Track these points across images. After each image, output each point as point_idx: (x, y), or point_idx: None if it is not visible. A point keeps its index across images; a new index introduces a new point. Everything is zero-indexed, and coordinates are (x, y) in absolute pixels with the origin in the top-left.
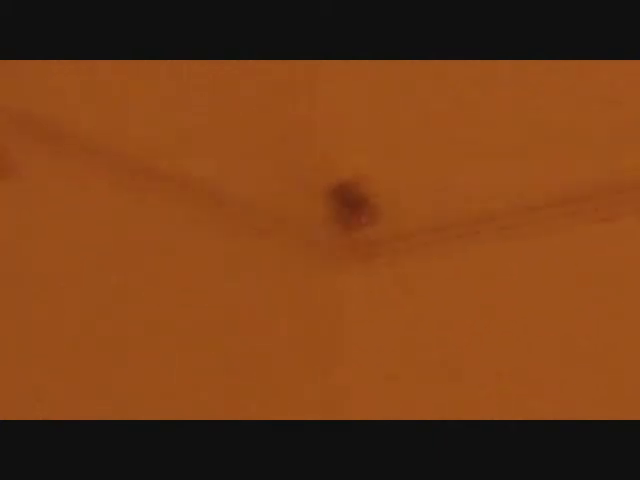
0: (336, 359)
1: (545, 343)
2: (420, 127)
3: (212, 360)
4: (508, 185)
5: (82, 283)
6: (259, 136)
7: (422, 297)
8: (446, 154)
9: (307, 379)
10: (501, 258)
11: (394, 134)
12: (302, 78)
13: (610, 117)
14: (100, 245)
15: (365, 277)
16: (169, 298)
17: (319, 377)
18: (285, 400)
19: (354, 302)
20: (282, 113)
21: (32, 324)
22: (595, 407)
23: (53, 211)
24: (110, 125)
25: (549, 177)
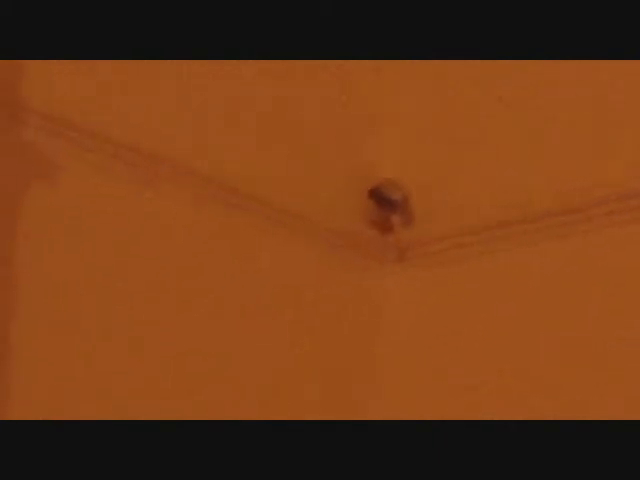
0: (372, 361)
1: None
2: (454, 130)
3: (243, 360)
4: (540, 188)
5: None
6: (295, 137)
7: (456, 300)
8: (480, 157)
9: (341, 380)
10: (533, 261)
11: (429, 136)
12: (336, 78)
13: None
14: (120, 242)
15: (400, 279)
16: (199, 297)
17: (354, 378)
18: (319, 401)
19: (389, 304)
20: (316, 114)
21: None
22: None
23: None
24: (129, 124)
25: (577, 180)
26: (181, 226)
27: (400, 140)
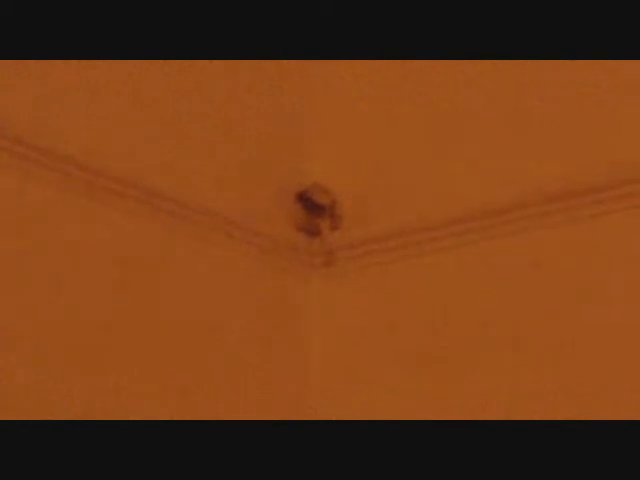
0: (299, 363)
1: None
2: (381, 133)
3: (167, 361)
4: (468, 189)
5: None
6: (222, 141)
7: (383, 303)
8: (408, 160)
9: (269, 381)
10: (461, 262)
11: (357, 140)
12: (264, 80)
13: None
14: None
15: (327, 283)
16: (139, 304)
17: (282, 381)
18: (243, 401)
19: (316, 308)
20: (243, 117)
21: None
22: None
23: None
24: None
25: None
26: (116, 232)
27: (328, 143)
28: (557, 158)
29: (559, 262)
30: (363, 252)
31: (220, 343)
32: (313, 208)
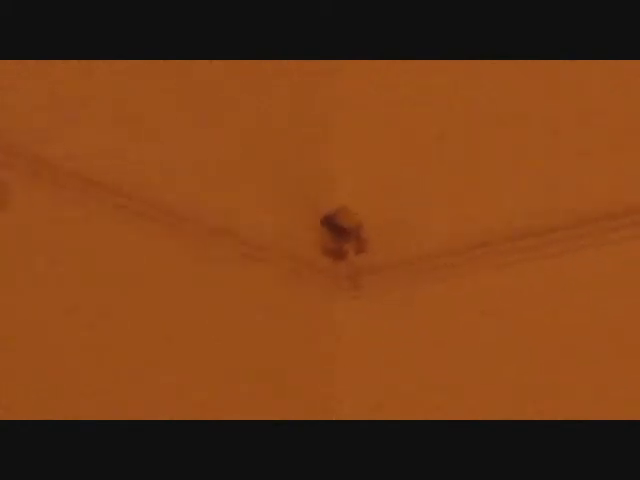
0: (324, 384)
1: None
2: (409, 157)
3: (201, 382)
4: (498, 214)
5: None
6: (248, 164)
7: (408, 326)
8: (435, 184)
9: (297, 403)
10: (485, 286)
11: (383, 165)
12: (292, 103)
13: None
14: (97, 273)
15: (352, 307)
16: (166, 324)
17: (309, 402)
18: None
19: (342, 332)
20: (277, 140)
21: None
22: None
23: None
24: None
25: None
26: (138, 250)
27: (355, 167)
28: (592, 177)
29: (586, 285)
30: (388, 276)
31: (246, 364)
32: (339, 231)
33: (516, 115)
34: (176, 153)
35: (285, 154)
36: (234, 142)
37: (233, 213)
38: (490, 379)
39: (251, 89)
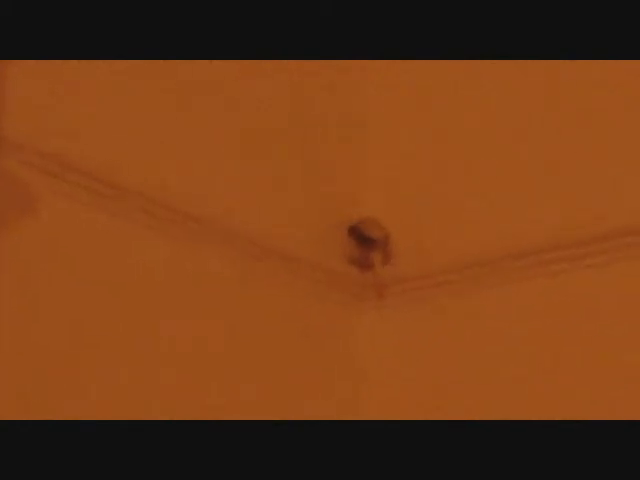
0: (350, 395)
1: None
2: (436, 169)
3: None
4: (524, 226)
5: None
6: (275, 173)
7: (434, 337)
8: (463, 195)
9: (322, 414)
10: (514, 299)
11: (411, 174)
12: (316, 112)
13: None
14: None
15: (379, 317)
16: (192, 332)
17: (334, 413)
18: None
19: (368, 342)
20: (304, 150)
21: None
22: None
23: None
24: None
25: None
26: (162, 260)
27: (383, 177)
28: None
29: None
30: (414, 287)
31: (271, 373)
32: (366, 241)
33: (552, 128)
34: (194, 159)
35: (314, 164)
36: (263, 151)
37: (259, 223)
38: (517, 390)
39: (283, 92)
